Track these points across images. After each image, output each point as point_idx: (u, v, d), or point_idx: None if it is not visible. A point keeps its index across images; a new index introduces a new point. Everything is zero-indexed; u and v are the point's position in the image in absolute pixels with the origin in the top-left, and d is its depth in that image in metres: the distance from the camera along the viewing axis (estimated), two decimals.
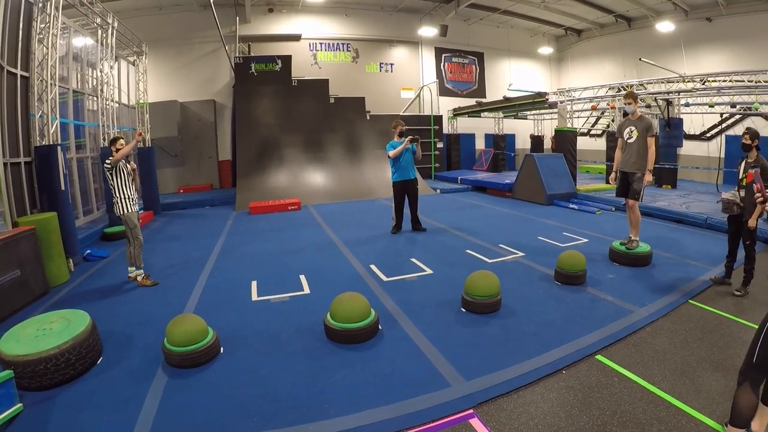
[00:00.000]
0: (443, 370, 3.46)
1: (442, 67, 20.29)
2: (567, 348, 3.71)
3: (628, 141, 6.32)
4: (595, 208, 9.91)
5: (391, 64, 19.35)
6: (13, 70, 6.84)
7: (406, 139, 8.00)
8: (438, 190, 14.48)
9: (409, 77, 19.60)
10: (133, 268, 6.18)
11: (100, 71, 10.77)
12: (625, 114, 6.51)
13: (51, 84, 7.81)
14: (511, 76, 21.44)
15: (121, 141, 5.93)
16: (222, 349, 4.04)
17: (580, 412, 2.89)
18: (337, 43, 18.46)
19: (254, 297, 5.35)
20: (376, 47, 19.00)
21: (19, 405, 3.34)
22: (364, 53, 18.82)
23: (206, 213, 12.06)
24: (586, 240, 7.27)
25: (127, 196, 5.93)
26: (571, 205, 10.50)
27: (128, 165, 6.04)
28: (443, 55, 20.29)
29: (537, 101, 14.64)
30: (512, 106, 16.42)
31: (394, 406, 3.08)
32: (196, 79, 16.56)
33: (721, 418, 2.75)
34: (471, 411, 3.01)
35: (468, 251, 6.81)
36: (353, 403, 3.13)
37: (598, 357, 3.59)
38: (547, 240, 7.31)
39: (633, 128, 6.27)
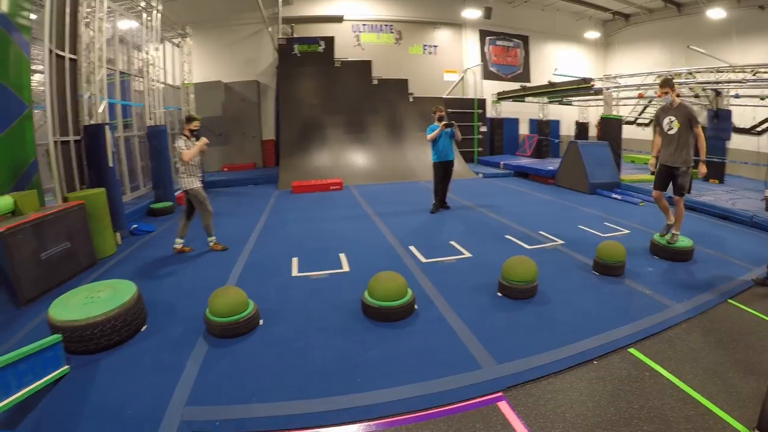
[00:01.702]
0: (475, 352, 3.54)
1: (486, 50, 19.96)
2: (600, 338, 3.72)
3: (669, 132, 5.95)
4: (639, 200, 9.70)
5: (435, 46, 19.13)
6: (61, 53, 7.12)
7: (441, 125, 8.41)
8: (480, 175, 14.40)
9: (453, 60, 19.30)
10: (181, 241, 6.62)
11: (146, 53, 11.14)
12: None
13: (98, 66, 8.14)
14: (556, 60, 20.91)
15: (196, 123, 6.28)
16: (261, 321, 4.21)
17: (608, 404, 2.93)
18: (380, 25, 18.37)
19: (294, 273, 5.54)
20: (420, 29, 18.82)
21: (66, 367, 3.51)
22: (408, 35, 18.67)
23: (249, 191, 12.39)
24: (627, 231, 7.14)
25: (192, 173, 6.32)
26: (614, 195, 10.29)
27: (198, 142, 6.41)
28: (487, 38, 19.90)
29: (582, 87, 14.32)
30: (557, 92, 16.08)
31: (425, 384, 3.16)
32: (239, 60, 16.78)
33: (749, 422, 2.72)
34: (500, 394, 3.06)
35: (508, 236, 6.84)
36: (385, 378, 3.25)
37: (631, 350, 3.59)
38: (587, 229, 7.22)
39: (673, 118, 5.87)
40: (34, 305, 5.00)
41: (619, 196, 10.16)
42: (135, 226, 8.32)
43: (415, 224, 7.94)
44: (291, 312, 4.41)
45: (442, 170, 8.76)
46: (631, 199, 9.81)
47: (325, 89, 14.66)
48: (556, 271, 5.31)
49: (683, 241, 5.85)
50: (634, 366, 3.38)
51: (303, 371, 3.39)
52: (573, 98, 18.31)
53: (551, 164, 13.57)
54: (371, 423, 2.82)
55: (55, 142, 6.94)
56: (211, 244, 6.71)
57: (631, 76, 13.35)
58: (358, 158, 14.12)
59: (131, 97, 11.08)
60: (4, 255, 5.06)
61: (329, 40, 15.06)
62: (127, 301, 4.03)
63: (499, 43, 20.22)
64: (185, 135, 6.24)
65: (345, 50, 16.91)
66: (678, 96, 6.15)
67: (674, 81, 6.28)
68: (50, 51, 6.83)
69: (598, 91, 13.64)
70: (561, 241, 6.50)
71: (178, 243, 6.62)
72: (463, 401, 3.01)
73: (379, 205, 9.71)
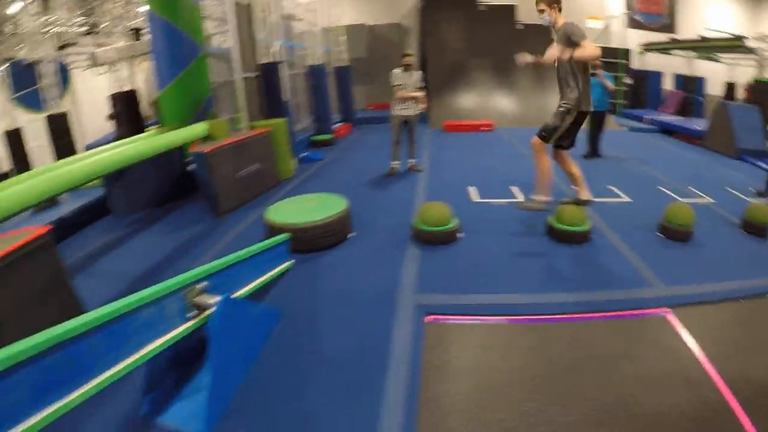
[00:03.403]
0: (646, 274, 4.20)
1: None
2: (749, 283, 4.12)
3: (555, 65, 4.89)
4: None
5: None
6: None
7: None
8: (625, 127, 14.33)
9: (596, 5, 18.56)
10: (412, 161, 8.09)
11: None
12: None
13: (269, 10, 9.36)
14: (704, 11, 19.41)
15: (407, 57, 7.45)
16: (460, 234, 5.03)
17: (755, 332, 3.49)
18: None
19: (474, 199, 6.40)
20: None
21: (291, 261, 4.20)
22: None
23: None
24: None
25: (395, 104, 7.44)
26: (762, 164, 10.00)
27: (413, 75, 7.47)
28: None
29: (735, 46, 13.61)
30: (708, 48, 15.32)
31: (602, 292, 3.86)
32: (383, 3, 17.70)
33: None
34: (668, 309, 3.59)
35: (659, 187, 7.23)
36: (569, 284, 4.02)
37: None
38: (734, 192, 7.29)
39: (553, 44, 4.81)
40: (231, 217, 6.09)
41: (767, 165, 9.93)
42: (305, 154, 9.54)
43: None
44: (483, 229, 5.22)
45: (593, 119, 8.99)
46: None
47: (469, 33, 15.13)
48: (708, 223, 5.59)
49: None
50: None
51: (506, 273, 4.22)
52: (722, 55, 17.26)
53: (697, 124, 13.11)
54: (564, 316, 3.57)
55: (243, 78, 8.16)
56: (410, 165, 8.05)
57: None
58: (504, 102, 14.60)
59: (292, 39, 12.35)
60: (208, 172, 6.09)
61: None
62: (343, 210, 4.91)
63: None
64: (402, 66, 7.30)
65: None
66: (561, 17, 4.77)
67: None
68: None
69: (752, 50, 12.94)
70: (710, 199, 6.72)
71: (410, 162, 8.07)
72: (636, 309, 3.62)
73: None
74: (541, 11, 4.74)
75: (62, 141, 10.49)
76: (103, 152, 5.69)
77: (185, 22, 7.08)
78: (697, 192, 7.10)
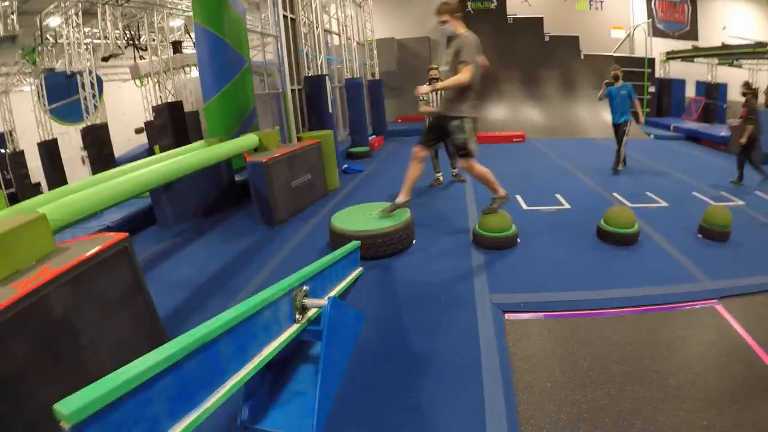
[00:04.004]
0: (692, 271, 4.59)
1: (653, 6, 19.39)
2: None
3: (442, 71, 4.92)
4: None
5: (601, 2, 18.94)
6: (283, 12, 8.48)
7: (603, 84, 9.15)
8: (652, 136, 14.70)
9: (620, 15, 19.04)
10: (455, 170, 8.20)
11: (342, 13, 13.02)
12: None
13: (314, 25, 9.69)
14: (725, 18, 19.68)
15: (430, 71, 7.49)
16: (519, 240, 5.33)
17: None
18: None
19: (524, 207, 6.81)
20: None
21: (361, 269, 4.27)
22: None
23: None
24: None
25: (426, 118, 7.54)
26: None
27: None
28: None
29: (758, 51, 13.98)
30: (730, 54, 15.66)
31: (653, 288, 4.18)
32: (411, 17, 18.22)
33: None
34: (716, 300, 3.94)
35: (695, 193, 7.59)
36: (624, 281, 4.34)
37: None
38: (763, 195, 7.58)
39: (448, 52, 4.78)
40: (284, 227, 6.21)
41: None
42: (346, 165, 9.82)
43: (607, 175, 8.93)
44: (538, 235, 5.56)
45: (615, 130, 9.33)
46: None
47: (498, 45, 15.49)
48: (743, 224, 5.90)
49: None
50: None
51: (567, 272, 4.56)
52: (744, 61, 17.56)
53: (721, 130, 13.44)
54: (623, 309, 3.92)
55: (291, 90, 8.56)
56: (453, 173, 8.32)
57: None
58: (533, 113, 15.06)
59: (331, 53, 12.86)
60: (266, 182, 6.11)
61: None
62: (408, 217, 5.13)
63: None
64: (428, 81, 7.45)
65: (513, 6, 17.44)
66: (464, 27, 4.80)
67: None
68: (281, 13, 8.30)
69: None
70: (742, 202, 7.06)
71: (453, 171, 8.27)
72: (685, 302, 3.98)
73: (567, 158, 10.69)
74: (443, 22, 4.70)
75: (102, 152, 10.85)
76: (155, 163, 5.69)
77: (231, 34, 7.30)
78: (729, 197, 7.46)
